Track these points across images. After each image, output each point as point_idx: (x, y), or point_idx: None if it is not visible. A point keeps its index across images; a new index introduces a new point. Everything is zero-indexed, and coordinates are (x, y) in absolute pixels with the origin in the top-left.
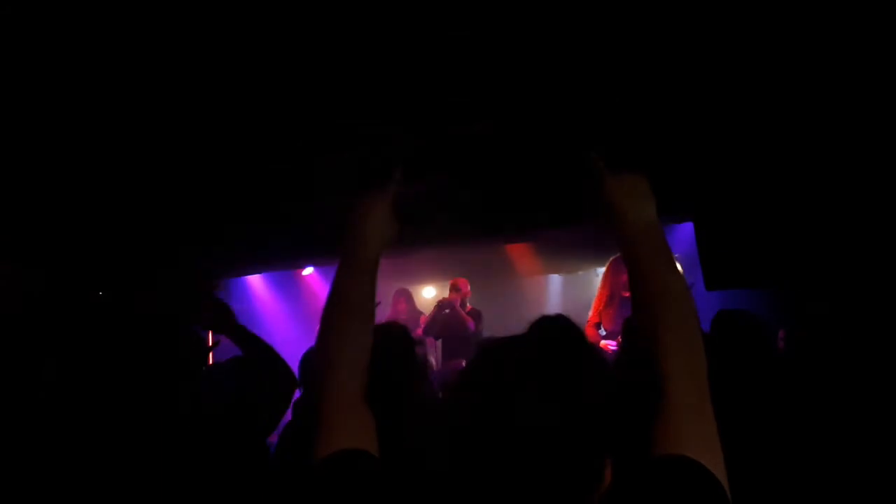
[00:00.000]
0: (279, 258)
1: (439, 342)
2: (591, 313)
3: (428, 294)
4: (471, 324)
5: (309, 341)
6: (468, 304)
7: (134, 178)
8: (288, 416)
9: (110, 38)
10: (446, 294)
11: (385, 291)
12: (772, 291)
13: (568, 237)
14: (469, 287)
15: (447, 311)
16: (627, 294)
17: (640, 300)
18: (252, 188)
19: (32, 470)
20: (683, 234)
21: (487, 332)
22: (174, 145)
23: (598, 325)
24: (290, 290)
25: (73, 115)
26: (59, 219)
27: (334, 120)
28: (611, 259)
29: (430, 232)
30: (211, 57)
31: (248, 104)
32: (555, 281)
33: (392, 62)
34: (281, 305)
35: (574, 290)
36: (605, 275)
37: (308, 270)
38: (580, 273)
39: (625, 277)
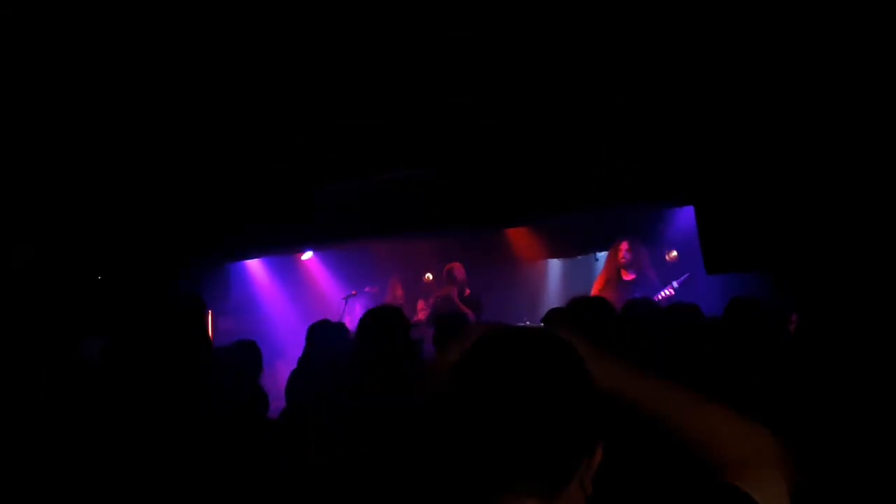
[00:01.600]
0: (279, 243)
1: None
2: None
3: (429, 279)
4: (470, 316)
5: (307, 324)
6: (466, 290)
7: (148, 174)
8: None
9: (117, 44)
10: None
11: (384, 276)
12: (782, 276)
13: (567, 222)
14: (464, 272)
15: (446, 303)
16: (629, 277)
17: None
18: (257, 181)
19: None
20: (683, 219)
21: (486, 317)
22: (184, 147)
23: None
24: (289, 274)
25: (87, 116)
26: (78, 208)
27: (335, 119)
28: (616, 242)
29: (429, 219)
30: (232, 62)
31: (252, 104)
32: (554, 265)
33: (394, 62)
34: (280, 289)
35: (573, 274)
36: (608, 257)
37: (307, 255)
38: (579, 258)
39: (624, 259)
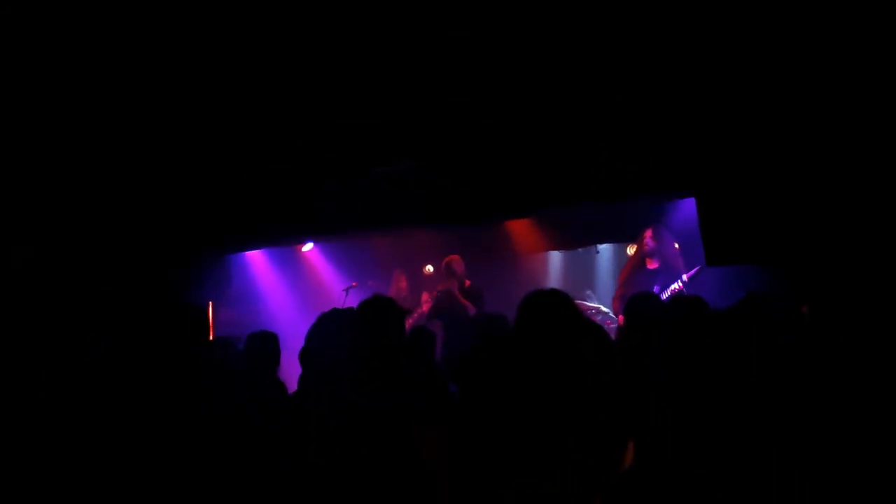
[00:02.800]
0: (281, 235)
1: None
2: (617, 285)
3: (429, 271)
4: (471, 309)
5: (307, 315)
6: (466, 281)
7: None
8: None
9: (117, 42)
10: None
11: (385, 268)
12: (784, 269)
13: (568, 215)
14: (463, 265)
15: (446, 297)
16: (653, 266)
17: None
18: (258, 177)
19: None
20: (685, 211)
21: (487, 310)
22: (188, 143)
23: (623, 298)
24: (290, 265)
25: (89, 115)
26: (80, 205)
27: (334, 120)
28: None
29: (429, 216)
30: (242, 64)
31: (252, 105)
32: (555, 257)
33: (394, 62)
34: (281, 280)
35: (574, 266)
36: (636, 247)
37: (308, 246)
38: (580, 250)
39: (647, 247)
